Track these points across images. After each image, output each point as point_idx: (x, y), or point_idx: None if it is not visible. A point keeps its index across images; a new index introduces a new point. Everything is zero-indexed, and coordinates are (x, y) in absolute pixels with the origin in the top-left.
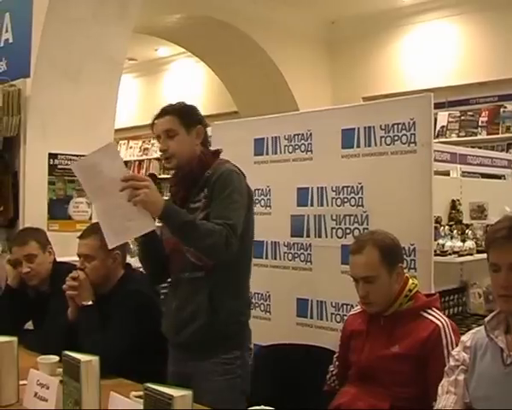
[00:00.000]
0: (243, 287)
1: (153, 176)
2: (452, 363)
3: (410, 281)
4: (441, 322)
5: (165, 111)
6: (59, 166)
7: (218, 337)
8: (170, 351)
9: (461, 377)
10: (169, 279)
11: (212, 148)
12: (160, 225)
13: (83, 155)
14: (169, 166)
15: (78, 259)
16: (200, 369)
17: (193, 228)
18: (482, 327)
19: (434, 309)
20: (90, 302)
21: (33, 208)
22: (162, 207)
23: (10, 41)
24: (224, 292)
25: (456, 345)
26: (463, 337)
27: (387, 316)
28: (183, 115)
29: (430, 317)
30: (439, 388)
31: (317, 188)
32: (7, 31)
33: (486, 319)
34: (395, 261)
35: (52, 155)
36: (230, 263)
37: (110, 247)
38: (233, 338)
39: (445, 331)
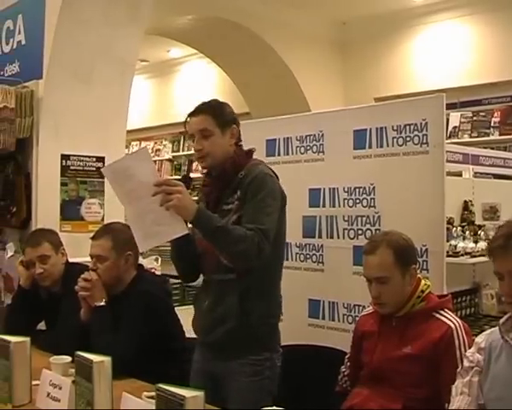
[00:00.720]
0: (275, 289)
1: (187, 178)
2: (466, 364)
3: (423, 282)
4: (454, 323)
5: (201, 109)
6: (71, 168)
7: (248, 339)
8: (197, 349)
9: (475, 378)
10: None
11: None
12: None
13: (95, 156)
14: (202, 165)
15: (90, 260)
16: (228, 369)
17: (225, 233)
18: (496, 328)
19: (447, 310)
20: (103, 303)
21: (46, 209)
22: (194, 212)
23: (23, 43)
24: (254, 295)
25: (469, 346)
26: (477, 339)
27: (399, 317)
28: (219, 115)
29: (442, 318)
30: (453, 389)
31: (329, 189)
32: (19, 33)
33: (501, 320)
34: (409, 262)
35: (64, 156)
36: (263, 266)
37: (141, 250)
38: (263, 340)
39: (457, 333)
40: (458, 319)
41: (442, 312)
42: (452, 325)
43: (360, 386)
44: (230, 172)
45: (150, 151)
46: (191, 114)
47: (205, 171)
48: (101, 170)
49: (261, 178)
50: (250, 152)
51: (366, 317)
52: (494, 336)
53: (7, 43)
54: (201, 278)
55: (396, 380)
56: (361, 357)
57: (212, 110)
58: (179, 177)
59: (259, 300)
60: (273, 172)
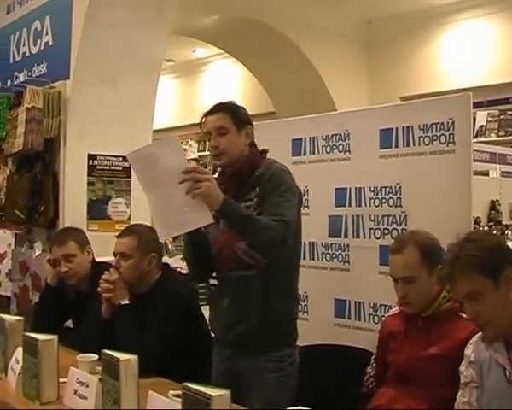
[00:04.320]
0: (294, 285)
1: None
2: (462, 380)
3: None
4: None
5: (218, 108)
6: (98, 167)
7: (271, 336)
8: (217, 349)
9: (473, 395)
10: (214, 278)
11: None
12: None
13: (121, 156)
14: (218, 163)
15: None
16: (251, 366)
17: (252, 222)
18: (479, 339)
19: None
20: (127, 301)
21: (73, 209)
22: (221, 200)
23: (50, 44)
24: (276, 291)
25: None
26: (466, 351)
27: (425, 317)
28: (235, 114)
29: None
30: (455, 405)
31: (355, 188)
32: (47, 34)
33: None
34: (435, 262)
35: (91, 156)
36: (283, 262)
37: (161, 239)
38: (285, 336)
39: None
40: None
41: None
42: None
43: (386, 387)
44: (247, 169)
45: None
46: (208, 113)
47: (219, 170)
48: (126, 155)
49: (280, 174)
50: (264, 152)
51: (392, 317)
52: (481, 348)
53: (34, 44)
54: None
55: (422, 380)
56: (387, 357)
57: (229, 109)
58: None
59: (281, 296)
60: (288, 169)
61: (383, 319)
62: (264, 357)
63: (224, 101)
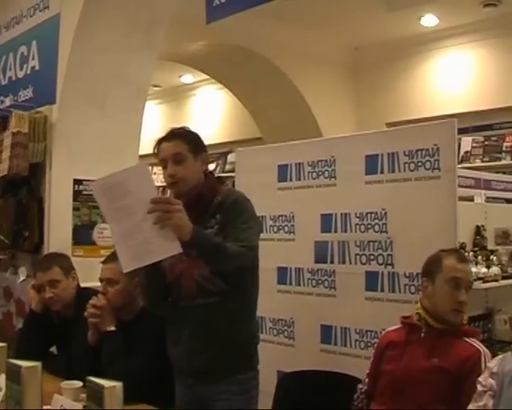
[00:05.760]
0: (254, 311)
1: None
2: (480, 388)
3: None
4: (482, 349)
5: (174, 135)
6: (84, 192)
7: (236, 360)
8: (180, 380)
9: (489, 402)
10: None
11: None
12: None
13: None
14: (174, 191)
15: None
16: (216, 390)
17: (223, 250)
18: (509, 353)
19: (475, 339)
20: (113, 328)
21: (58, 234)
22: (191, 231)
23: (37, 68)
24: (240, 315)
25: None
26: (490, 364)
27: (430, 329)
28: (192, 141)
29: (471, 342)
30: None
31: (341, 214)
32: (33, 58)
33: None
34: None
35: (77, 181)
36: (245, 287)
37: (125, 271)
38: (249, 359)
39: (485, 358)
40: (486, 349)
41: (472, 338)
42: (481, 350)
43: (378, 400)
44: (207, 196)
45: (162, 176)
46: (163, 140)
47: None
48: (91, 184)
49: (242, 202)
50: (221, 179)
51: (392, 331)
52: (507, 361)
53: (21, 69)
54: None
55: (417, 393)
56: (383, 366)
57: (185, 136)
58: None
59: (245, 320)
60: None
61: (369, 344)
62: (228, 380)
63: (177, 126)
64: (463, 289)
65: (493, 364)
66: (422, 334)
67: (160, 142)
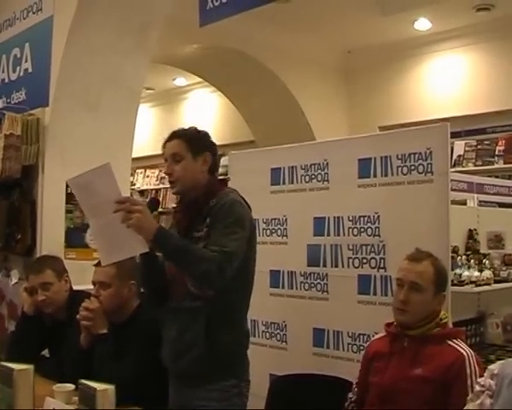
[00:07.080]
0: (241, 318)
1: (155, 201)
2: (478, 388)
3: (442, 312)
4: (466, 352)
5: (175, 135)
6: None
7: (216, 366)
8: (170, 381)
9: (487, 401)
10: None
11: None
12: None
13: None
14: (173, 190)
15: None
16: (196, 396)
17: (185, 253)
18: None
19: (460, 340)
20: (105, 331)
21: (51, 236)
22: (154, 232)
23: (30, 71)
24: (220, 323)
25: (480, 377)
26: (491, 366)
27: (412, 337)
28: (192, 141)
29: (455, 345)
30: None
31: (334, 217)
32: (26, 61)
33: None
34: (442, 287)
35: None
36: (228, 294)
37: (103, 264)
38: (230, 368)
39: (469, 361)
40: (471, 350)
41: (455, 340)
42: (465, 354)
43: (368, 409)
44: (202, 199)
45: (155, 179)
46: (166, 140)
47: (178, 197)
48: (67, 181)
49: (230, 205)
50: (224, 181)
51: (378, 340)
52: (509, 365)
53: (14, 71)
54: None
55: (405, 402)
56: (370, 378)
57: (186, 135)
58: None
59: (225, 328)
60: (245, 201)
61: (362, 348)
62: (208, 386)
63: (185, 127)
64: (406, 288)
65: (495, 366)
66: (405, 343)
67: (164, 141)
